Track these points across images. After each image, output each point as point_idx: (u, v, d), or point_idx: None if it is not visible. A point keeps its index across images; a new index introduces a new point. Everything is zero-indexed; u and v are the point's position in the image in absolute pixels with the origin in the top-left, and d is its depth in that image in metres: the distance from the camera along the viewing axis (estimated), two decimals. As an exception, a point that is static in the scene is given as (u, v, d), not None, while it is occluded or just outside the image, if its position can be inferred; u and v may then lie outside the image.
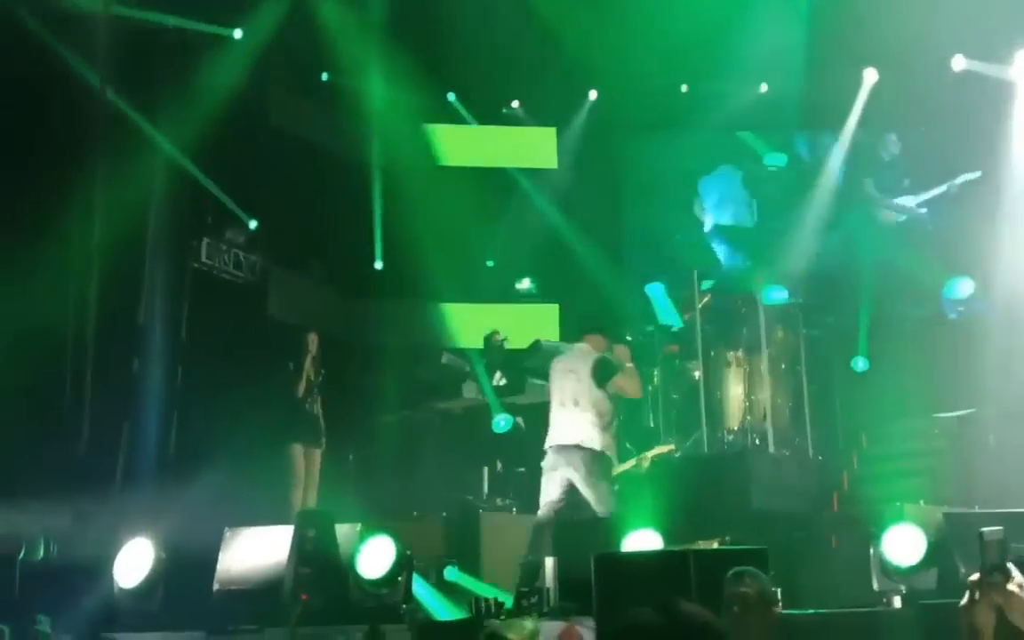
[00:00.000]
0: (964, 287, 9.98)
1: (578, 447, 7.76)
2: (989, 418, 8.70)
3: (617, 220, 11.74)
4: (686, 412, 9.47)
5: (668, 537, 6.36)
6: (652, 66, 10.78)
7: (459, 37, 10.44)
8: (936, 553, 5.80)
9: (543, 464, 8.00)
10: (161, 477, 8.74)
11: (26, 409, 8.10)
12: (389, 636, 5.91)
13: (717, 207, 11.74)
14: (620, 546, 6.24)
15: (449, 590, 7.40)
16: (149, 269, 9.57)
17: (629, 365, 8.10)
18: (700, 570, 5.31)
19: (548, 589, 6.25)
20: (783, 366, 9.55)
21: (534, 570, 6.69)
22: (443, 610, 6.85)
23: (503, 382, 9.78)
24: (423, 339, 11.21)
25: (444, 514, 8.52)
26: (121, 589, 6.23)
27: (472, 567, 7.92)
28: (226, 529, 6.56)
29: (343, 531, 6.34)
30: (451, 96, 11.89)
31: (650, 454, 8.75)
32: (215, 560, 6.41)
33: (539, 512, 7.83)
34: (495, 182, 11.77)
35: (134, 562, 6.28)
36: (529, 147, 12.21)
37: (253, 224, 10.48)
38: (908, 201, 11.07)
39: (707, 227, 11.68)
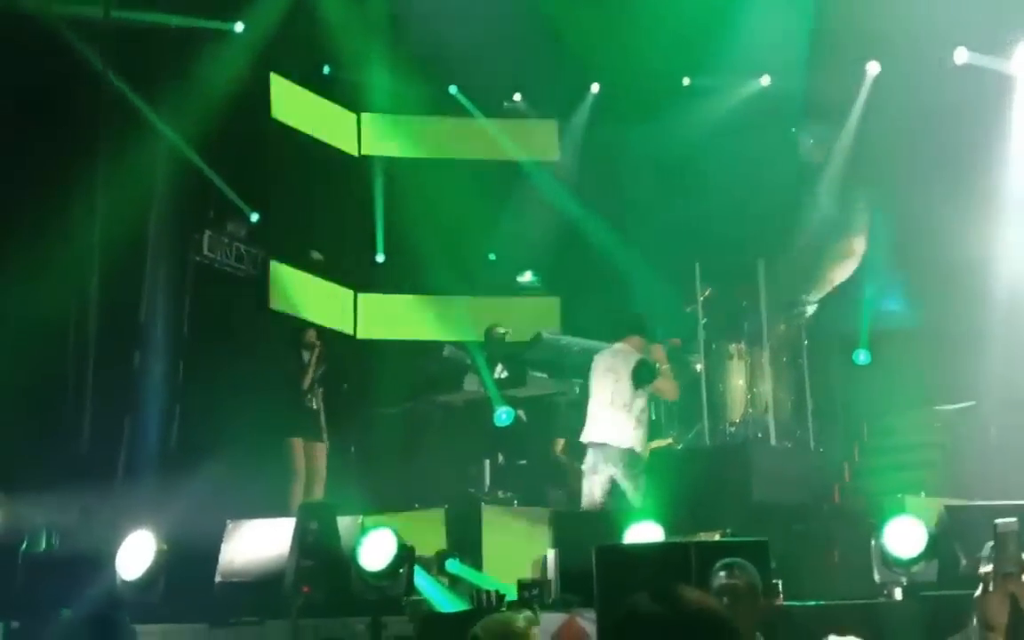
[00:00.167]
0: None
1: (615, 446, 8.04)
2: (990, 410, 8.71)
3: (619, 212, 11.70)
4: (688, 404, 9.47)
5: (669, 529, 6.37)
6: (654, 59, 10.78)
7: (461, 30, 10.42)
8: (937, 545, 5.81)
9: (583, 466, 8.27)
10: (163, 470, 8.76)
11: (28, 403, 8.12)
12: (391, 628, 5.92)
13: None
14: (621, 538, 6.25)
15: (451, 582, 7.41)
16: (151, 263, 9.58)
17: (665, 367, 8.36)
18: (701, 562, 5.30)
19: (550, 581, 6.26)
20: (785, 359, 9.55)
21: None
22: (445, 602, 6.86)
23: (504, 375, 9.79)
24: (425, 332, 11.22)
25: (446, 507, 8.52)
26: (123, 581, 6.23)
27: (474, 559, 7.93)
28: (228, 521, 6.56)
29: (345, 523, 6.34)
30: (453, 89, 11.88)
31: (651, 445, 8.77)
32: (217, 552, 6.41)
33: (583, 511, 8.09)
34: (497, 175, 11.75)
35: (136, 554, 6.28)
36: (531, 140, 12.20)
37: (255, 217, 10.48)
38: None
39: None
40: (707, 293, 9.53)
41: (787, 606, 5.64)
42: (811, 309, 10.15)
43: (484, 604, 5.68)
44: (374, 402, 10.52)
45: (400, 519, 8.05)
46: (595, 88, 11.94)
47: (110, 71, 8.75)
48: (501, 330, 10.07)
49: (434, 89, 11.69)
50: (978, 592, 2.57)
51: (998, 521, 2.68)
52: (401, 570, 6.14)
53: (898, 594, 5.87)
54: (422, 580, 6.72)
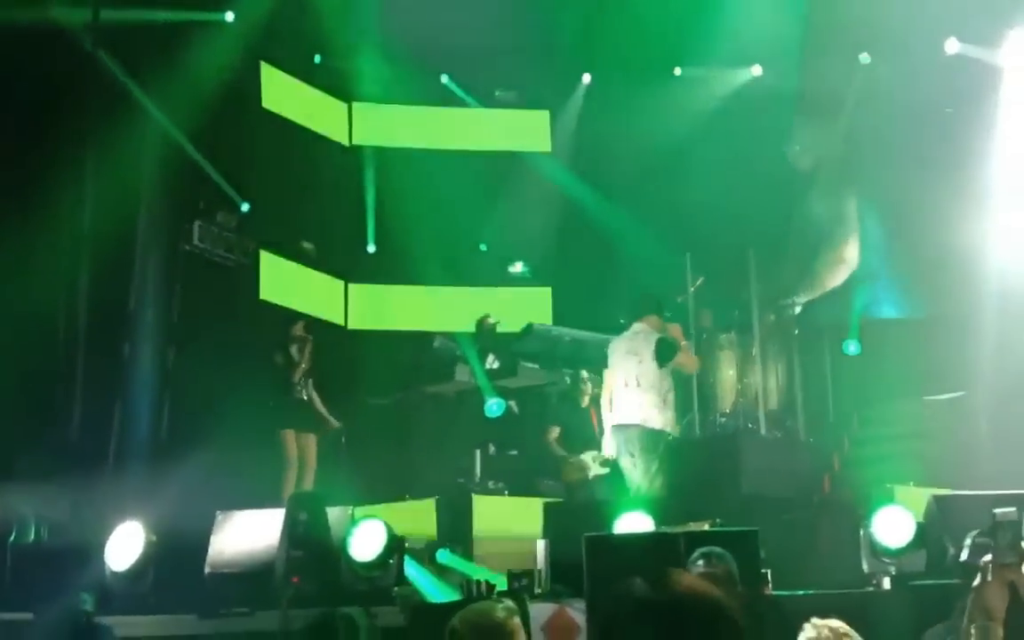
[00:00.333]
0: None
1: (638, 426, 8.02)
2: (980, 401, 8.74)
3: (611, 202, 11.69)
4: (678, 395, 9.47)
5: (659, 519, 6.38)
6: (645, 49, 10.76)
7: (453, 19, 10.39)
8: (925, 535, 5.84)
9: (612, 453, 8.29)
10: (153, 460, 8.74)
11: (17, 394, 8.08)
12: (381, 618, 5.92)
13: None
14: (612, 528, 6.26)
15: (442, 573, 7.41)
16: (141, 252, 9.54)
17: (684, 343, 8.36)
18: (691, 552, 5.31)
19: (540, 571, 6.26)
20: (775, 349, 9.57)
21: None
22: (436, 592, 6.87)
23: (495, 365, 9.78)
24: (415, 322, 11.20)
25: (436, 497, 8.52)
26: (112, 572, 6.22)
27: (464, 550, 7.94)
28: (218, 512, 6.56)
29: (335, 514, 6.34)
30: (445, 78, 11.84)
31: None
32: (207, 543, 6.40)
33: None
34: (488, 165, 11.73)
35: (125, 545, 6.27)
36: (523, 130, 12.17)
37: (245, 207, 10.45)
38: None
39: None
40: (699, 283, 9.54)
41: (775, 596, 5.66)
42: (799, 308, 10.19)
43: (474, 594, 5.69)
44: (365, 393, 10.50)
45: (391, 510, 8.07)
46: (587, 78, 11.92)
47: (99, 54, 8.70)
48: (492, 320, 10.06)
49: (425, 79, 11.64)
50: (977, 581, 2.57)
51: (996, 510, 2.69)
52: (391, 560, 6.15)
53: (886, 584, 5.90)
54: (412, 570, 6.73)
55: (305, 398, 9.25)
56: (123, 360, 9.22)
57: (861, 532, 5.95)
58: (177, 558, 6.33)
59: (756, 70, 11.51)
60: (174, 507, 6.84)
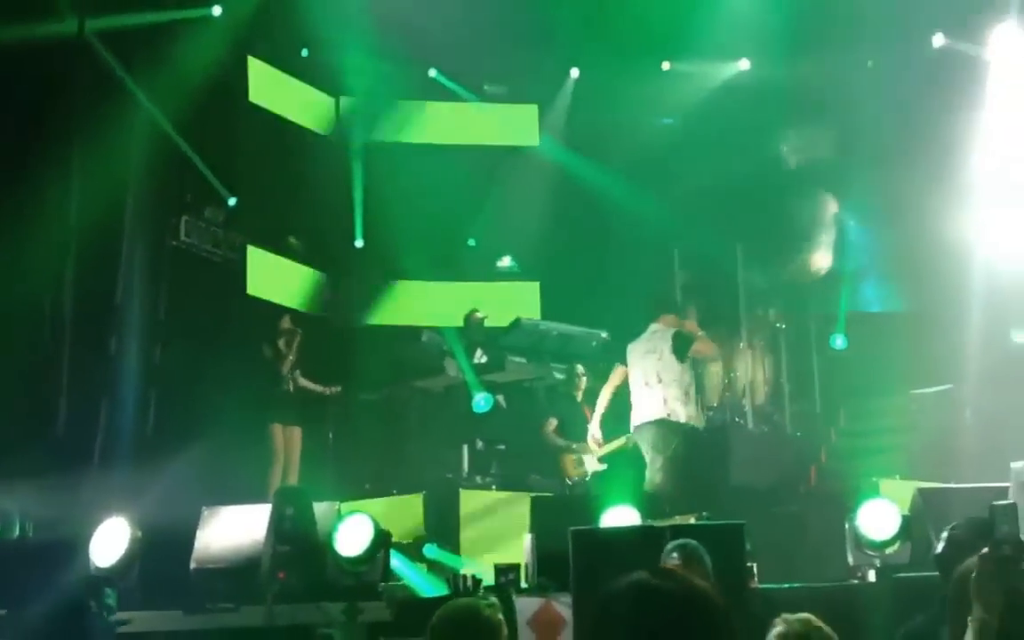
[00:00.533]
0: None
1: (661, 421, 8.01)
2: (965, 395, 8.78)
3: (599, 196, 11.69)
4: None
5: (646, 513, 6.38)
6: (634, 43, 10.76)
7: (441, 13, 10.37)
8: (910, 528, 5.86)
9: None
10: (139, 456, 8.70)
11: (2, 388, 8.04)
12: (367, 613, 5.91)
13: None
14: (598, 522, 6.26)
15: (429, 567, 7.41)
16: (127, 247, 9.49)
17: (700, 333, 8.39)
18: (678, 546, 5.31)
19: (526, 565, 6.26)
20: (762, 343, 9.60)
21: None
22: (423, 587, 6.87)
23: (483, 360, 9.78)
24: (403, 317, 11.19)
25: (424, 492, 8.52)
26: (98, 568, 6.20)
27: (452, 545, 7.94)
28: (203, 507, 6.53)
29: (321, 509, 6.32)
30: (433, 72, 11.81)
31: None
32: (192, 539, 6.38)
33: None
34: (476, 160, 11.71)
35: (111, 541, 6.24)
36: (511, 125, 12.16)
37: (232, 201, 10.41)
38: None
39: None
40: (685, 278, 9.56)
41: (761, 588, 5.67)
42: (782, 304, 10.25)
43: (461, 589, 5.68)
44: (352, 388, 10.48)
45: (379, 504, 8.07)
46: (575, 73, 11.91)
47: (89, 40, 8.66)
48: (480, 315, 10.06)
49: (413, 73, 11.62)
50: (974, 573, 2.58)
51: (994, 502, 2.72)
52: (378, 555, 6.13)
53: (871, 576, 5.92)
54: (399, 565, 6.73)
55: (292, 390, 9.24)
56: (109, 355, 9.18)
57: (846, 525, 5.96)
58: (162, 554, 6.30)
59: (744, 64, 11.53)
60: (160, 503, 6.82)
